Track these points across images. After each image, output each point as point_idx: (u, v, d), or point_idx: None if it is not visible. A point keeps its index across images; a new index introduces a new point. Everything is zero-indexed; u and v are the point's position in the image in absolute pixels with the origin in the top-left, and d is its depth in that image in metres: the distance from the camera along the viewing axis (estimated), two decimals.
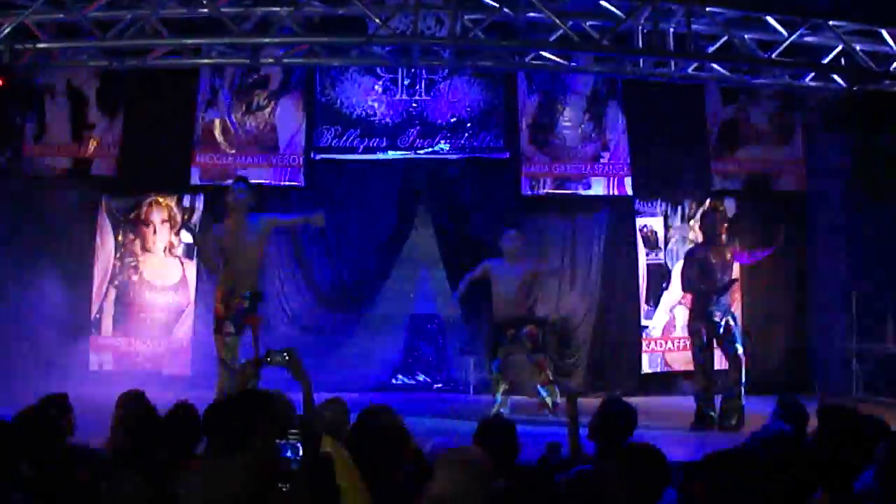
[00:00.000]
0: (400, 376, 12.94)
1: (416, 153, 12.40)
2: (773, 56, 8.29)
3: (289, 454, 2.88)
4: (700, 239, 10.51)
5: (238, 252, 8.71)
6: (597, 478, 3.97)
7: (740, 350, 9.59)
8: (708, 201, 12.48)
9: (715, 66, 8.71)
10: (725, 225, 9.91)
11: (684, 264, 10.33)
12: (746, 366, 9.65)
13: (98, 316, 12.36)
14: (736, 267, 10.57)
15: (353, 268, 12.51)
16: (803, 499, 3.58)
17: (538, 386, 10.21)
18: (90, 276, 12.37)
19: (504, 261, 10.43)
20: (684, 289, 10.45)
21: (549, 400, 10.07)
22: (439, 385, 12.87)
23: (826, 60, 8.48)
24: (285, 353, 4.43)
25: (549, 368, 10.36)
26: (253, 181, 11.99)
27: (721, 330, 9.59)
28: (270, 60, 9.44)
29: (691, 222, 12.56)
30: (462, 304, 12.22)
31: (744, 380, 9.51)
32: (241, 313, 8.67)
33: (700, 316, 9.73)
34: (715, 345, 9.80)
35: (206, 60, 9.07)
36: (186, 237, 12.33)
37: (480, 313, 12.05)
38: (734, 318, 9.86)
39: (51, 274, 11.67)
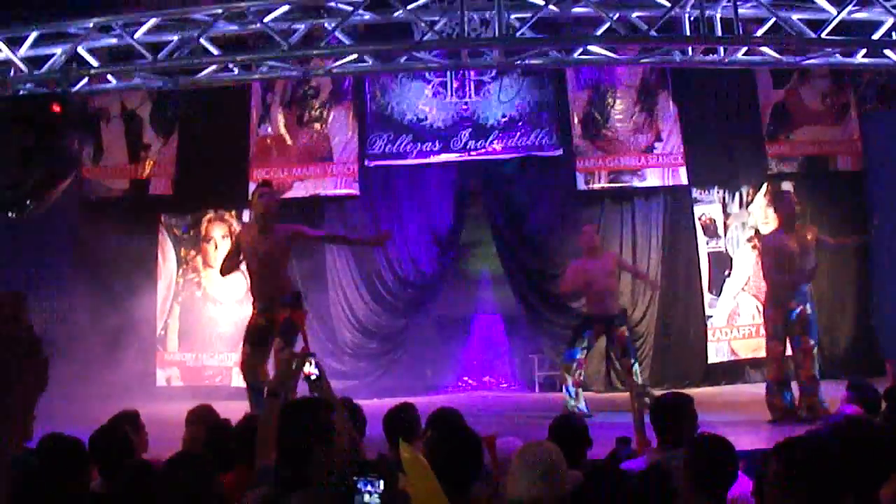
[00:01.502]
0: (466, 377, 12.97)
1: (469, 155, 12.40)
2: (823, 35, 8.18)
3: (368, 489, 2.87)
4: (776, 225, 9.99)
5: (259, 258, 8.55)
6: (663, 470, 3.98)
7: (812, 342, 9.25)
8: (765, 185, 12.38)
9: (764, 49, 8.61)
10: (798, 208, 9.56)
11: (762, 251, 10.08)
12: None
13: (163, 333, 12.56)
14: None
15: (414, 271, 12.56)
16: (879, 482, 3.54)
17: (570, 385, 10.05)
18: (154, 294, 12.56)
19: (585, 257, 10.32)
20: (764, 277, 10.03)
21: (569, 405, 9.85)
22: (505, 384, 12.89)
23: (877, 36, 8.34)
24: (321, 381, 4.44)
25: (633, 376, 10.10)
26: (309, 192, 12.24)
27: (794, 318, 9.24)
28: (320, 72, 9.52)
29: (749, 208, 12.46)
30: (523, 304, 12.25)
31: (817, 374, 9.20)
32: (287, 323, 8.52)
33: (774, 303, 9.41)
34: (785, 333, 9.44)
35: (256, 76, 9.17)
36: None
37: (542, 312, 12.07)
38: (812, 307, 9.46)
39: (115, 294, 11.91)
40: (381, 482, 2.73)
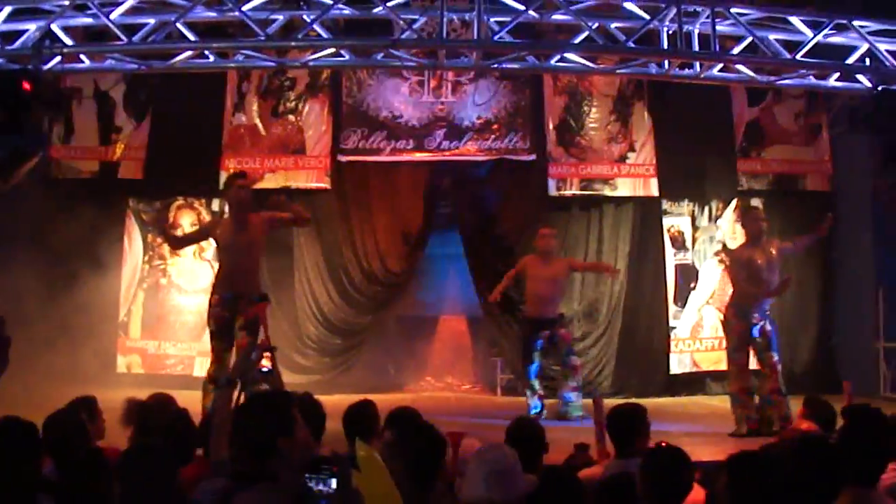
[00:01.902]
0: (429, 378, 12.96)
1: (442, 155, 12.40)
2: (798, 56, 8.24)
3: (321, 487, 2.84)
4: (744, 240, 9.96)
5: (237, 250, 8.42)
6: (623, 479, 4.00)
7: (775, 357, 9.25)
8: (735, 201, 12.48)
9: (740, 66, 8.66)
10: (765, 224, 9.60)
11: (732, 263, 10.11)
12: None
13: (126, 319, 12.45)
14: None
15: (381, 269, 12.53)
16: (829, 499, 3.58)
17: (567, 392, 10.16)
18: (118, 279, 12.44)
19: (539, 259, 10.39)
20: (733, 285, 9.95)
21: (574, 409, 10.01)
22: (467, 386, 12.89)
23: (851, 60, 8.42)
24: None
25: (580, 373, 10.34)
26: (280, 184, 12.18)
27: (757, 334, 9.25)
28: (297, 64, 9.48)
29: (718, 222, 12.56)
30: (488, 306, 12.25)
31: (782, 387, 9.17)
32: (254, 317, 8.45)
33: (738, 315, 9.37)
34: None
35: (232, 64, 9.11)
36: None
37: (506, 314, 12.07)
38: (772, 323, 9.45)
39: (78, 277, 11.76)
40: (334, 480, 2.71)
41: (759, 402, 9.21)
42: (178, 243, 9.66)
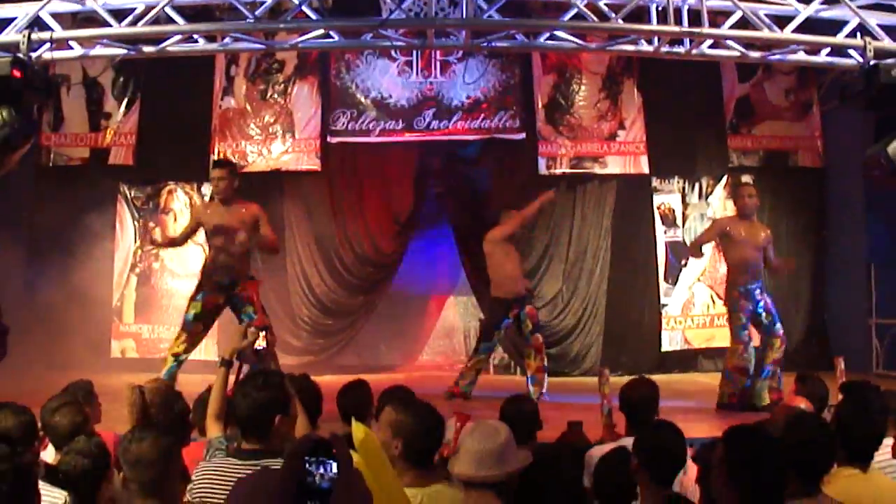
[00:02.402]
0: (421, 357, 13.00)
1: (432, 135, 12.39)
2: (789, 31, 8.23)
3: (321, 471, 2.83)
4: (731, 214, 10.07)
5: (228, 236, 8.56)
6: (621, 456, 4.02)
7: (781, 329, 9.32)
8: (725, 178, 12.50)
9: (730, 43, 8.65)
10: (753, 199, 9.59)
11: (708, 227, 10.13)
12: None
13: (119, 304, 12.46)
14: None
15: (372, 249, 12.57)
16: (822, 473, 3.62)
17: (529, 375, 10.05)
18: (110, 265, 12.45)
19: (499, 234, 10.27)
20: (693, 248, 10.19)
21: (535, 391, 9.81)
22: (459, 365, 12.90)
23: (842, 35, 8.41)
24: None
25: (544, 351, 10.20)
26: (270, 166, 12.18)
27: (762, 310, 9.30)
28: (286, 46, 9.44)
29: (709, 199, 12.59)
30: (477, 285, 12.28)
31: (782, 364, 9.23)
32: (254, 303, 8.55)
33: (742, 294, 9.34)
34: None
35: (220, 47, 9.07)
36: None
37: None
38: (770, 297, 9.49)
39: (70, 262, 11.77)
40: (335, 464, 2.71)
41: (756, 373, 9.23)
42: (177, 244, 9.66)
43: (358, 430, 3.56)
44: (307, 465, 2.65)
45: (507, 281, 10.16)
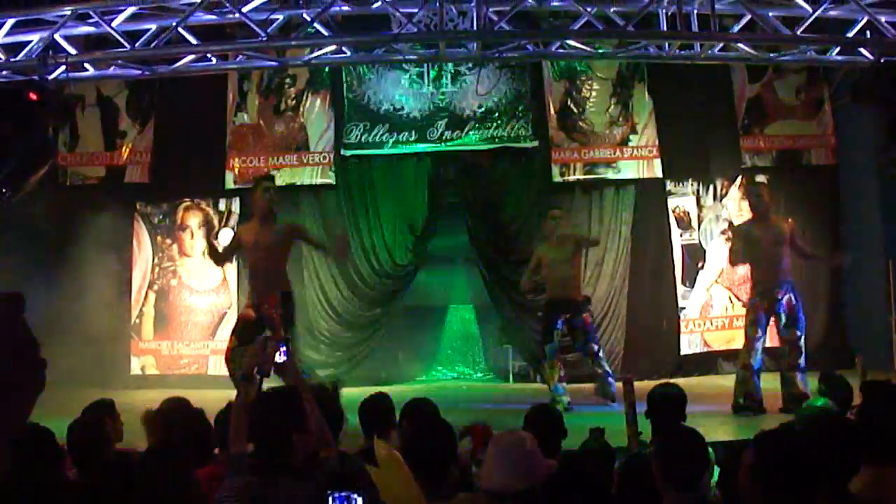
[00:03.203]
0: (440, 367, 13.02)
1: (445, 145, 12.42)
2: (798, 32, 8.25)
3: None
4: (749, 216, 10.02)
5: (260, 253, 8.58)
6: (643, 462, 4.03)
7: (798, 333, 9.29)
8: (739, 178, 12.48)
9: (740, 45, 8.67)
10: (768, 199, 9.58)
11: (732, 238, 10.14)
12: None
13: (138, 321, 12.52)
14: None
15: (389, 261, 12.57)
16: (851, 475, 3.62)
17: (557, 385, 10.01)
18: (129, 282, 12.52)
19: (551, 242, 10.27)
20: (731, 262, 10.24)
21: (565, 399, 9.82)
22: (479, 375, 12.94)
23: (851, 34, 8.42)
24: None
25: (601, 360, 10.19)
26: (286, 181, 12.21)
27: (782, 309, 9.30)
28: (298, 62, 9.51)
29: (724, 201, 12.56)
30: (495, 294, 12.29)
31: (802, 363, 9.23)
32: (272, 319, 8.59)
33: (760, 294, 9.42)
34: (771, 322, 9.51)
35: (233, 66, 9.15)
36: (224, 240, 12.42)
37: (514, 301, 12.10)
38: (797, 297, 9.45)
39: (89, 280, 11.85)
40: (360, 499, 2.69)
41: (782, 380, 9.26)
42: (222, 259, 9.62)
43: (380, 447, 3.58)
44: (330, 498, 2.62)
45: (554, 284, 10.19)
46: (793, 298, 9.36)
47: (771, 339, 9.94)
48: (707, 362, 12.30)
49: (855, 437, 3.74)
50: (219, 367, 12.15)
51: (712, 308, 12.42)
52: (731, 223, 11.34)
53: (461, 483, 4.14)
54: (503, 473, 3.40)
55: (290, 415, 3.77)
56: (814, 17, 8.21)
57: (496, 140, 12.43)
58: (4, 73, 8.36)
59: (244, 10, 8.20)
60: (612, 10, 8.22)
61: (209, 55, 8.58)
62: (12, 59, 8.23)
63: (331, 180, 12.50)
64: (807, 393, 8.84)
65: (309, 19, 8.16)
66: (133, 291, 12.57)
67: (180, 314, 12.51)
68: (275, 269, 8.59)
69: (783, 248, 9.41)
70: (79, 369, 11.21)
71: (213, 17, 8.56)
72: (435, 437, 4.10)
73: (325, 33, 8.29)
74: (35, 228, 12.00)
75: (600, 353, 10.21)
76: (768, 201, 9.61)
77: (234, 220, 12.43)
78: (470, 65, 12.11)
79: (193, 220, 12.63)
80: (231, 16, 8.42)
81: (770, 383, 9.38)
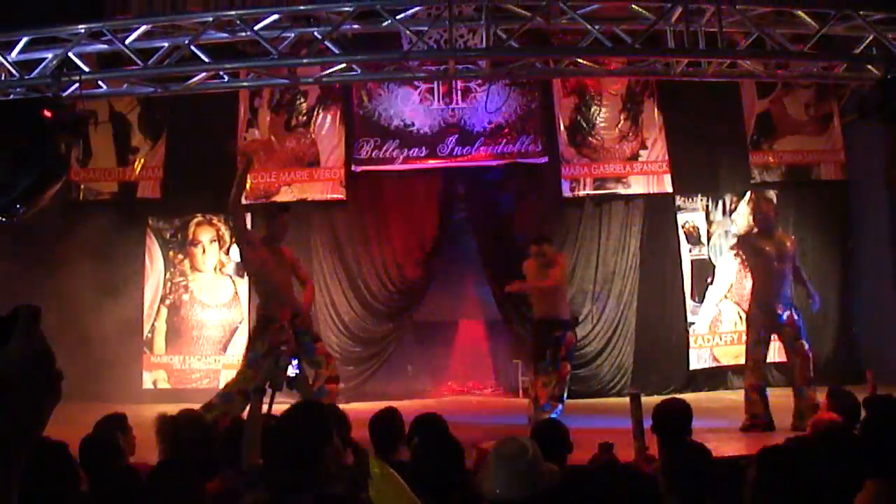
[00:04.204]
0: (450, 382, 13.04)
1: (455, 161, 12.48)
2: (805, 49, 8.29)
3: None
4: (755, 230, 9.91)
5: (278, 278, 8.74)
6: (650, 479, 4.05)
7: (806, 345, 9.26)
8: (748, 193, 12.50)
9: (747, 62, 8.71)
10: (772, 213, 9.61)
11: (742, 248, 10.11)
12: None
13: (150, 335, 12.58)
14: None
15: (399, 276, 12.63)
16: (855, 490, 3.64)
17: (543, 403, 9.75)
18: (140, 297, 12.60)
19: (535, 263, 10.13)
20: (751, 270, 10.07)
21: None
22: (488, 389, 12.95)
23: (858, 50, 8.46)
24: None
25: (565, 383, 9.89)
26: (296, 196, 12.29)
27: (783, 322, 9.28)
28: (310, 80, 9.57)
29: (733, 216, 12.59)
30: (504, 309, 12.31)
31: (812, 376, 9.16)
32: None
33: (760, 307, 9.43)
34: (774, 338, 9.52)
35: (245, 83, 9.22)
36: (236, 255, 12.53)
37: (524, 317, 12.12)
38: (798, 312, 9.41)
39: (101, 296, 11.91)
40: None
41: (794, 395, 9.20)
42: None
43: (375, 467, 3.57)
44: None
45: (542, 302, 10.09)
46: (793, 313, 9.36)
47: (778, 354, 9.96)
48: (716, 377, 12.30)
49: (860, 452, 3.76)
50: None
51: (721, 323, 12.43)
52: (739, 238, 11.37)
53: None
54: (506, 483, 3.36)
55: (317, 427, 3.78)
56: (820, 34, 8.25)
57: (506, 156, 12.48)
58: (19, 90, 8.44)
59: (256, 28, 8.28)
60: (620, 28, 8.28)
61: (221, 73, 8.65)
62: (27, 77, 8.31)
63: (341, 196, 12.56)
64: (817, 404, 8.86)
65: (320, 37, 8.23)
66: (145, 306, 12.65)
67: (192, 329, 12.58)
68: (291, 288, 8.78)
69: (786, 264, 9.44)
70: (91, 383, 11.29)
71: (225, 35, 8.64)
72: (444, 453, 4.12)
73: (336, 51, 8.36)
74: (46, 244, 12.10)
75: (567, 378, 9.95)
76: (774, 217, 9.64)
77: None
78: (479, 81, 12.19)
79: (205, 235, 12.71)
80: (242, 34, 8.50)
81: (780, 400, 9.36)
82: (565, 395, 9.91)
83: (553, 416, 9.56)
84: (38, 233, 11.48)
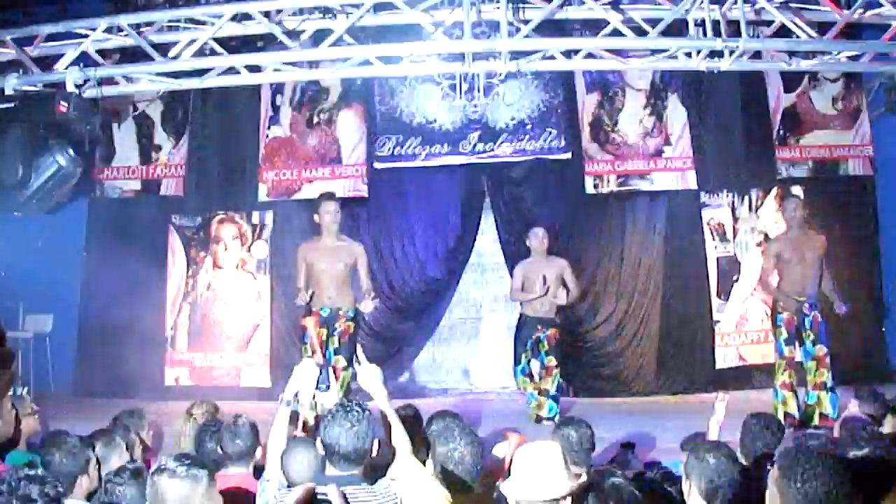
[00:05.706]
0: (473, 380, 12.96)
1: (477, 157, 12.41)
2: (830, 37, 8.13)
3: None
4: (784, 229, 9.72)
5: (328, 271, 8.84)
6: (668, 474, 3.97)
7: (825, 350, 9.07)
8: (775, 189, 12.33)
9: (770, 52, 8.55)
10: (802, 213, 9.44)
11: (765, 252, 9.98)
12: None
13: (172, 332, 12.60)
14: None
15: (422, 275, 12.57)
16: (882, 494, 3.52)
17: (531, 392, 9.95)
18: (163, 294, 12.62)
19: (532, 259, 10.24)
20: (763, 276, 9.89)
21: (533, 411, 9.82)
22: (511, 388, 12.85)
23: (885, 37, 8.27)
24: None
25: (556, 377, 9.96)
26: (319, 194, 12.23)
27: (809, 325, 9.12)
28: (328, 73, 9.51)
29: (759, 212, 12.42)
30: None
31: (829, 382, 9.00)
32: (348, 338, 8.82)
33: (787, 307, 9.25)
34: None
35: (263, 77, 9.14)
36: (258, 252, 12.53)
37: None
38: (822, 314, 9.22)
39: (124, 293, 11.94)
40: None
41: (805, 397, 9.10)
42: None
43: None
44: None
45: (530, 305, 10.20)
46: (819, 316, 9.18)
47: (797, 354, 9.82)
48: (743, 376, 12.11)
49: (889, 452, 3.65)
50: (252, 379, 12.24)
51: (748, 321, 12.26)
52: (766, 235, 11.21)
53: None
54: (531, 486, 3.35)
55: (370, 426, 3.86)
56: (844, 21, 8.09)
57: (529, 151, 12.38)
58: (37, 85, 8.42)
59: (276, 19, 8.25)
60: (641, 18, 8.16)
61: (238, 67, 8.59)
62: (44, 72, 8.30)
63: (364, 193, 12.50)
64: (827, 413, 8.76)
65: (339, 30, 8.17)
66: (168, 303, 12.66)
67: (214, 326, 12.58)
68: (345, 283, 9.11)
69: (815, 263, 9.29)
70: (115, 380, 11.39)
71: (243, 28, 8.60)
72: (462, 450, 4.09)
73: (354, 44, 8.30)
74: (71, 241, 12.16)
75: (552, 370, 9.95)
76: (802, 214, 9.45)
77: (267, 232, 12.53)
78: (502, 76, 12.08)
79: (227, 232, 12.70)
80: (259, 28, 8.46)
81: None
82: (559, 393, 10.01)
83: (551, 415, 9.56)
84: (62, 231, 11.55)
